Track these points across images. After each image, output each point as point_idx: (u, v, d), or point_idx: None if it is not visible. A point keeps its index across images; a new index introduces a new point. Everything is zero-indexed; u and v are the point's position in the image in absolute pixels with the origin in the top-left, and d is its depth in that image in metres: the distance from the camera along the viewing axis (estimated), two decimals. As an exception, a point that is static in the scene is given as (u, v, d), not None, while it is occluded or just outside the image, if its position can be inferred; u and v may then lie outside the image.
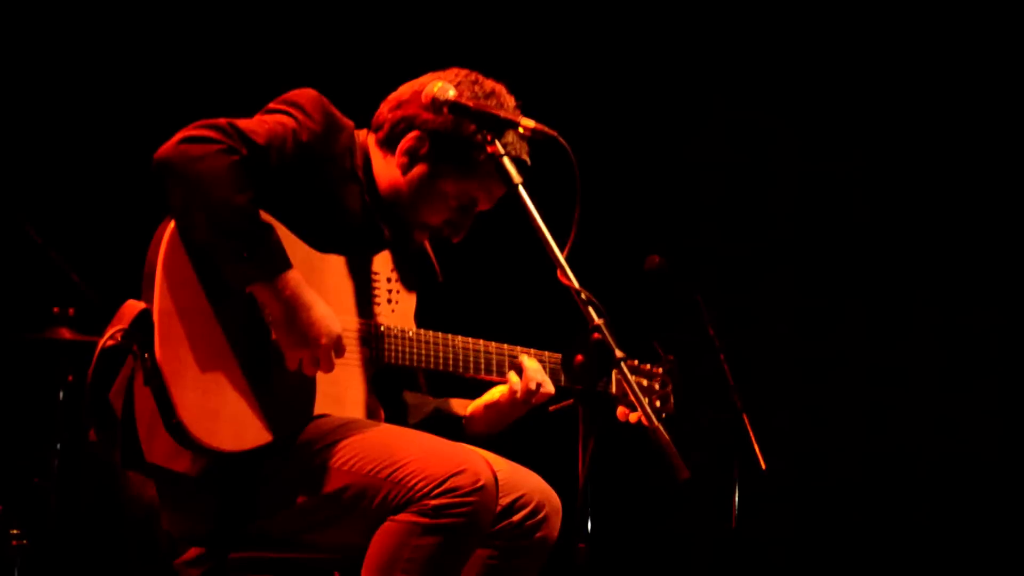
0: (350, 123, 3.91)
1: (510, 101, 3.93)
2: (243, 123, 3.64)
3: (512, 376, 3.96)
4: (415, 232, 4.00)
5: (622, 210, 6.63)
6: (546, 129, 3.57)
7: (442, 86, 3.73)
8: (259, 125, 3.68)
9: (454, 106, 3.72)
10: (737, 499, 5.40)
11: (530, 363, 3.97)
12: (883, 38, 6.87)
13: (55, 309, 5.60)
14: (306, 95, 3.81)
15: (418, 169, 3.93)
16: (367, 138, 3.99)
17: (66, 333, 5.54)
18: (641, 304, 4.25)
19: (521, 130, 3.60)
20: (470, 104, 3.71)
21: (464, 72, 3.93)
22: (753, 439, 5.19)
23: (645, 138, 6.79)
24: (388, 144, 3.95)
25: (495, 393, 4.02)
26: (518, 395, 3.95)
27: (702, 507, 6.49)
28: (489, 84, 3.92)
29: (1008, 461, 6.80)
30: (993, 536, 6.75)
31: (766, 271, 6.86)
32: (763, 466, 5.16)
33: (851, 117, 6.90)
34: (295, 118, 3.74)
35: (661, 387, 4.16)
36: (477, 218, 4.01)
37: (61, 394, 5.59)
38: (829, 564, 6.72)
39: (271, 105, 3.79)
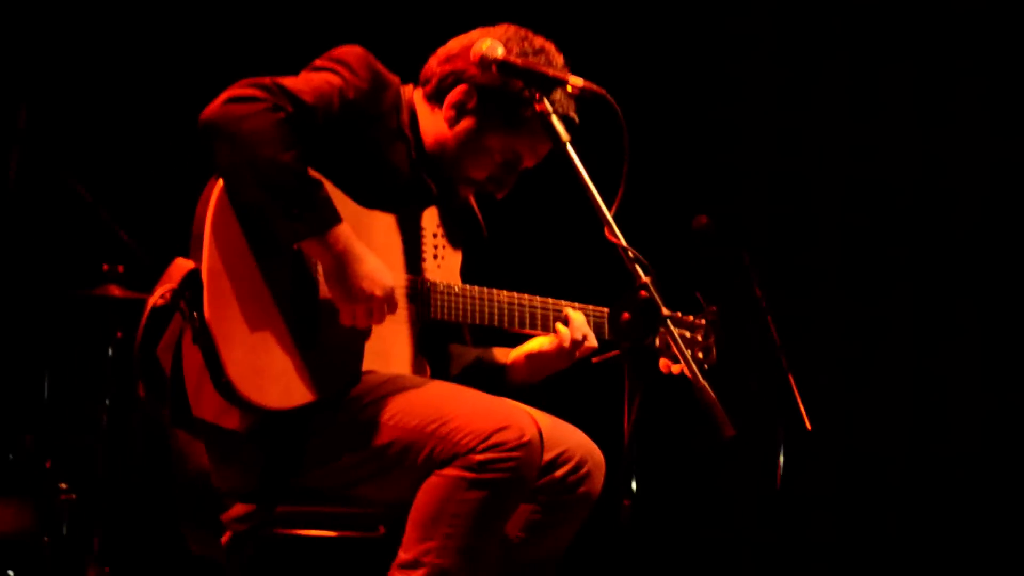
0: (396, 79, 3.90)
1: (559, 59, 3.91)
2: (288, 81, 3.64)
3: (560, 327, 3.96)
4: (459, 187, 3.99)
5: (670, 170, 6.61)
6: (595, 87, 3.57)
7: (491, 44, 3.72)
8: (305, 83, 3.67)
9: (503, 64, 3.72)
10: (782, 459, 5.40)
11: (576, 316, 3.97)
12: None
13: (104, 267, 5.64)
14: (352, 52, 3.80)
15: (465, 123, 3.92)
16: (413, 93, 3.98)
17: (115, 290, 5.58)
18: (688, 263, 4.23)
19: (570, 88, 3.60)
20: (518, 62, 3.71)
21: (514, 28, 3.92)
22: (799, 399, 5.18)
23: (693, 99, 6.76)
24: (436, 98, 3.94)
25: (539, 343, 4.02)
26: (565, 345, 3.95)
27: (747, 466, 6.48)
28: (539, 41, 3.91)
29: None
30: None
31: (814, 233, 6.83)
32: (808, 426, 5.15)
33: (899, 79, 6.85)
34: (341, 75, 3.74)
35: (704, 338, 4.15)
36: (526, 175, 4.01)
37: (110, 351, 5.64)
38: (871, 525, 6.70)
39: (317, 62, 3.79)
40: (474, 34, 3.93)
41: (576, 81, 3.58)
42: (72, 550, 5.51)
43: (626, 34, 6.69)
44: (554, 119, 3.54)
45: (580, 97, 3.64)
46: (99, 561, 5.42)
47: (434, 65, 3.97)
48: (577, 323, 3.96)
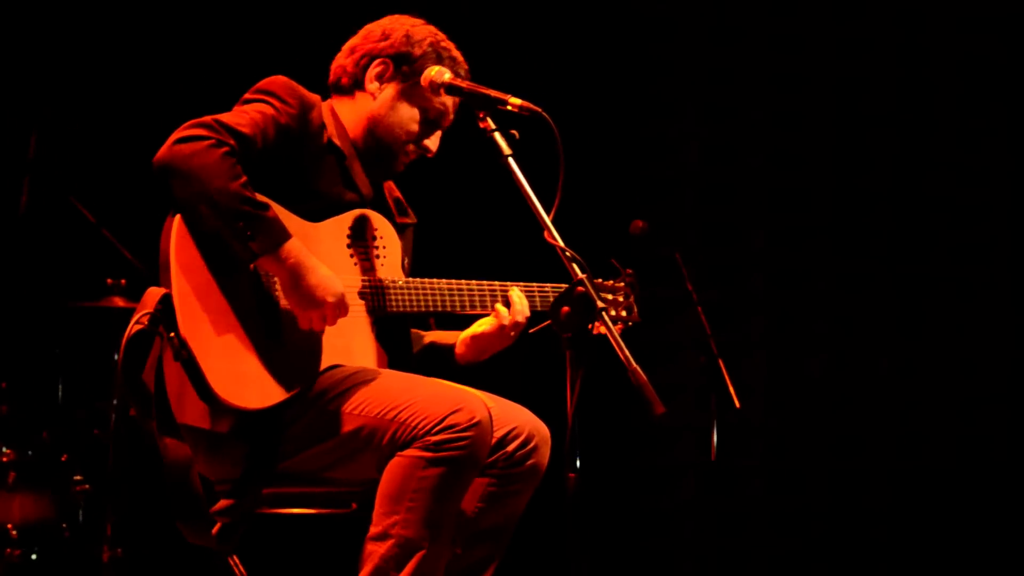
0: (317, 98, 3.91)
1: (459, 56, 3.97)
2: (226, 117, 3.64)
3: (499, 308, 3.96)
4: (399, 154, 3.99)
5: (609, 179, 6.60)
6: (532, 106, 3.58)
7: (438, 70, 3.82)
8: (241, 116, 3.68)
9: (450, 87, 3.79)
10: (715, 434, 5.40)
11: (516, 297, 3.97)
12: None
13: (108, 280, 5.62)
14: (278, 82, 3.81)
15: (389, 89, 3.94)
16: (331, 104, 3.99)
17: (119, 301, 5.57)
18: (628, 264, 4.24)
19: (509, 107, 3.60)
20: (463, 85, 3.77)
21: (402, 18, 3.99)
22: (728, 381, 5.19)
23: (627, 113, 6.75)
24: (354, 85, 3.98)
25: (482, 324, 4.02)
26: (505, 324, 3.95)
27: (686, 441, 6.49)
28: (439, 35, 3.98)
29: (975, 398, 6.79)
30: (966, 478, 6.74)
31: (741, 232, 6.83)
32: (737, 404, 5.17)
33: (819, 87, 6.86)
34: (272, 105, 3.75)
35: (624, 298, 4.15)
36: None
37: (115, 355, 5.61)
38: (797, 490, 6.71)
39: (247, 96, 3.80)
40: (366, 28, 4.01)
41: (515, 101, 3.59)
42: (88, 535, 5.48)
43: (556, 46, 6.66)
44: (497, 136, 3.55)
45: (519, 115, 3.62)
46: (112, 545, 5.39)
47: (341, 60, 4.02)
48: (514, 305, 3.96)
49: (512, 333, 3.98)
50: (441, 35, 3.99)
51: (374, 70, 3.95)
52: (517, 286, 4.01)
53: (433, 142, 4.02)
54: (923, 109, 6.86)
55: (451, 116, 4.00)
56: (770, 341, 6.73)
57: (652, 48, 6.78)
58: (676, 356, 6.39)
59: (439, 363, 4.06)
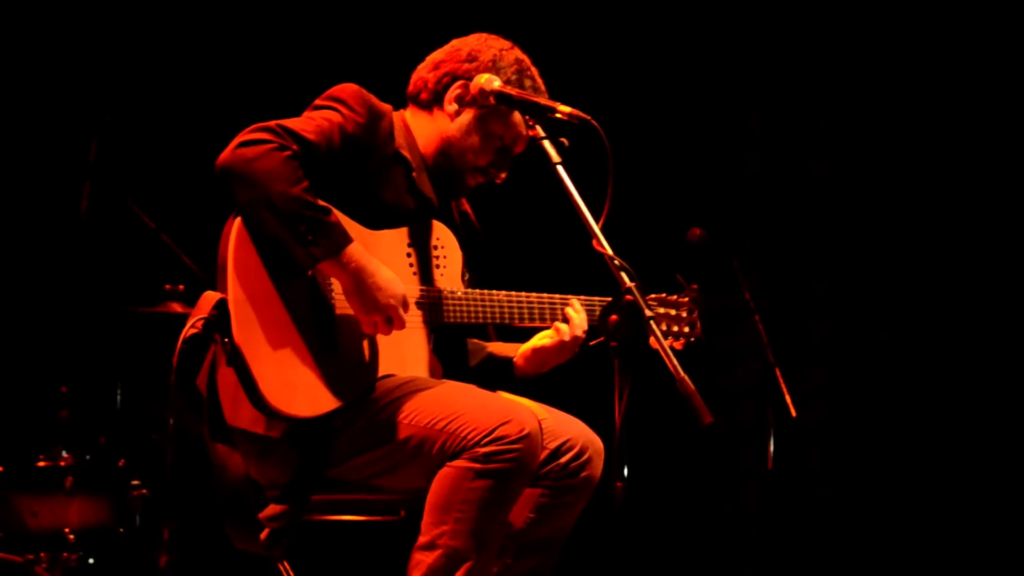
0: (388, 107, 3.92)
1: (534, 71, 3.98)
2: (291, 123, 3.66)
3: (560, 325, 3.95)
4: (467, 177, 3.99)
5: (668, 187, 6.59)
6: (581, 113, 3.61)
7: (488, 78, 3.84)
8: (307, 123, 3.69)
9: (500, 95, 3.82)
10: (772, 443, 5.36)
11: (572, 314, 3.96)
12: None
13: (167, 286, 5.66)
14: (348, 90, 3.82)
15: (468, 113, 3.94)
16: (404, 114, 4.00)
17: (177, 307, 5.60)
18: (686, 272, 4.23)
19: (558, 115, 3.61)
20: (513, 93, 3.80)
21: (491, 40, 3.99)
22: (784, 390, 5.15)
23: (690, 124, 6.74)
24: (433, 101, 3.98)
25: (541, 339, 4.01)
26: (565, 340, 3.94)
27: (746, 450, 6.46)
28: (518, 57, 3.97)
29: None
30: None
31: (803, 240, 6.79)
32: (793, 413, 5.12)
33: (879, 95, 6.81)
34: (340, 112, 3.76)
35: (688, 314, 4.14)
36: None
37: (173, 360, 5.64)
38: (858, 499, 6.66)
39: (316, 102, 3.81)
40: (454, 43, 4.01)
41: (563, 108, 3.61)
42: (145, 540, 5.52)
43: (619, 52, 6.65)
44: (546, 143, 3.56)
45: (569, 123, 3.62)
46: (169, 550, 5.42)
47: (424, 74, 4.01)
48: (576, 322, 3.95)
49: (571, 348, 3.98)
50: (527, 61, 3.98)
51: (455, 91, 3.94)
52: (578, 299, 4.00)
53: (504, 171, 4.02)
54: (989, 116, 6.78)
55: (525, 144, 3.98)
56: (832, 350, 6.67)
57: (714, 55, 6.76)
58: (737, 365, 6.35)
59: (498, 375, 4.06)
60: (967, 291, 6.74)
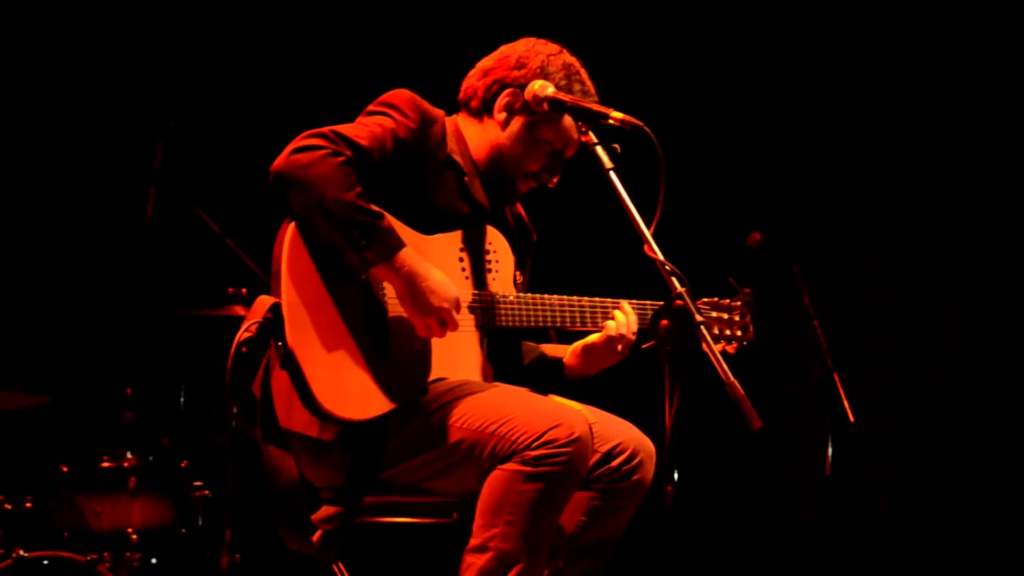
0: (441, 113, 3.94)
1: (585, 76, 3.97)
2: (344, 129, 3.69)
3: (608, 323, 3.96)
4: (519, 184, 4.01)
5: (729, 193, 6.59)
6: (633, 120, 3.62)
7: (541, 84, 3.87)
8: (360, 128, 3.73)
9: (553, 101, 3.84)
10: (831, 448, 5.36)
11: (620, 315, 3.97)
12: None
13: (230, 290, 5.72)
14: (401, 96, 3.85)
15: (517, 121, 3.96)
16: (456, 120, 4.02)
17: (239, 310, 5.65)
18: (744, 277, 4.24)
19: (611, 121, 3.63)
20: (566, 99, 3.83)
21: (539, 45, 3.99)
22: (843, 395, 5.15)
23: (752, 129, 6.74)
24: (484, 109, 4.00)
25: (591, 339, 4.02)
26: (613, 336, 3.95)
27: (807, 455, 6.44)
28: (574, 65, 3.97)
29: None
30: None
31: (865, 246, 6.77)
32: (851, 419, 5.13)
33: (942, 101, 6.77)
34: (393, 118, 3.79)
35: (741, 318, 4.14)
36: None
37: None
38: (920, 507, 6.63)
39: (370, 108, 3.85)
40: (503, 49, 4.02)
41: (616, 114, 3.63)
42: (207, 541, 5.58)
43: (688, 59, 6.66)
44: (598, 149, 3.59)
45: (621, 128, 3.63)
46: (231, 550, 5.48)
47: (474, 82, 4.02)
48: (621, 320, 3.96)
49: (620, 348, 3.98)
50: (576, 64, 3.99)
51: (504, 99, 3.96)
52: (629, 303, 4.02)
53: (556, 175, 4.04)
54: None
55: (575, 148, 4.00)
56: (893, 357, 6.65)
57: (778, 61, 6.76)
58: (796, 371, 6.35)
59: (548, 375, 4.08)
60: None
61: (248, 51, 6.38)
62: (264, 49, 6.39)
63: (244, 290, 5.71)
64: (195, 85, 6.35)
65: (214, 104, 6.37)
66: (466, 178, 3.94)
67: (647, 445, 3.86)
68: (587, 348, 4.03)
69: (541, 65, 3.93)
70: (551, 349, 4.14)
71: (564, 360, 4.09)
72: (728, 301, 4.15)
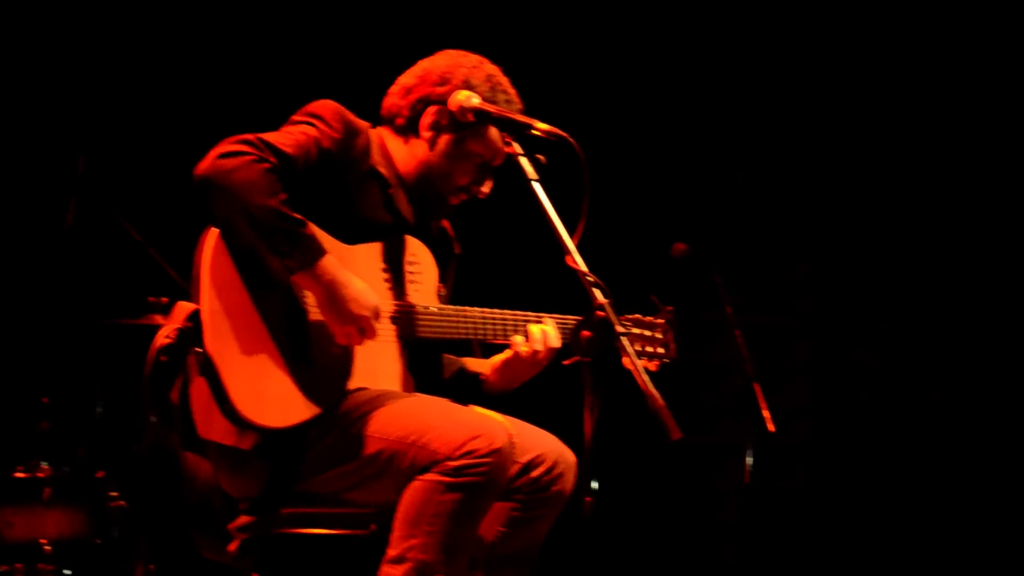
0: (366, 125, 3.93)
1: (508, 86, 3.97)
2: (270, 136, 3.69)
3: (516, 338, 3.97)
4: (450, 198, 4.01)
5: (650, 203, 6.61)
6: (557, 131, 3.62)
7: (467, 95, 3.86)
8: (285, 136, 3.72)
9: (478, 112, 3.84)
10: (749, 458, 5.39)
11: (534, 328, 3.98)
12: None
13: (150, 298, 5.66)
14: (325, 106, 3.84)
15: (444, 139, 3.95)
16: (381, 133, 4.01)
17: (159, 319, 5.60)
18: (668, 287, 4.26)
19: (536, 131, 3.63)
20: (492, 110, 3.83)
21: (460, 58, 3.99)
22: (763, 405, 5.18)
23: (675, 139, 6.76)
24: (408, 128, 3.98)
25: (506, 354, 4.03)
26: (522, 354, 3.96)
27: (729, 465, 6.46)
28: (496, 76, 3.97)
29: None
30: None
31: (787, 257, 6.81)
32: (771, 428, 5.16)
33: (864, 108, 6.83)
34: (317, 127, 3.78)
35: (663, 335, 4.15)
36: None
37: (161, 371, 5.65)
38: (840, 515, 6.67)
39: (294, 117, 3.84)
40: (423, 64, 4.01)
41: (541, 125, 3.63)
42: (122, 551, 5.53)
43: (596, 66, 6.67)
44: (522, 160, 3.59)
45: (546, 139, 3.64)
46: (146, 561, 5.43)
47: (396, 100, 4.01)
48: (534, 335, 3.97)
49: (535, 363, 3.99)
50: (498, 74, 3.98)
51: (429, 118, 3.95)
52: (553, 317, 4.02)
53: (486, 185, 4.04)
54: (983, 134, 6.81)
55: (503, 156, 3.97)
56: (815, 366, 6.70)
57: (704, 71, 6.78)
58: (718, 380, 6.38)
59: (468, 388, 4.09)
60: (952, 308, 6.76)
61: (172, 59, 6.33)
62: (187, 57, 6.34)
63: (164, 299, 5.66)
64: (117, 93, 6.29)
65: (135, 112, 6.31)
66: (390, 190, 3.94)
67: (567, 456, 3.86)
68: (507, 363, 4.04)
69: (464, 79, 3.91)
70: (472, 363, 4.15)
71: (484, 374, 4.09)
72: (651, 318, 4.16)
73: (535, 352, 3.95)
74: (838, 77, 6.82)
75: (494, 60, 4.03)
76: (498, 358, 4.06)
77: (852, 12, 6.79)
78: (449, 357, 4.15)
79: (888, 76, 6.81)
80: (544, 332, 3.97)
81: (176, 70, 6.37)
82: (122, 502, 5.54)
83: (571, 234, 3.44)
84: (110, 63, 6.33)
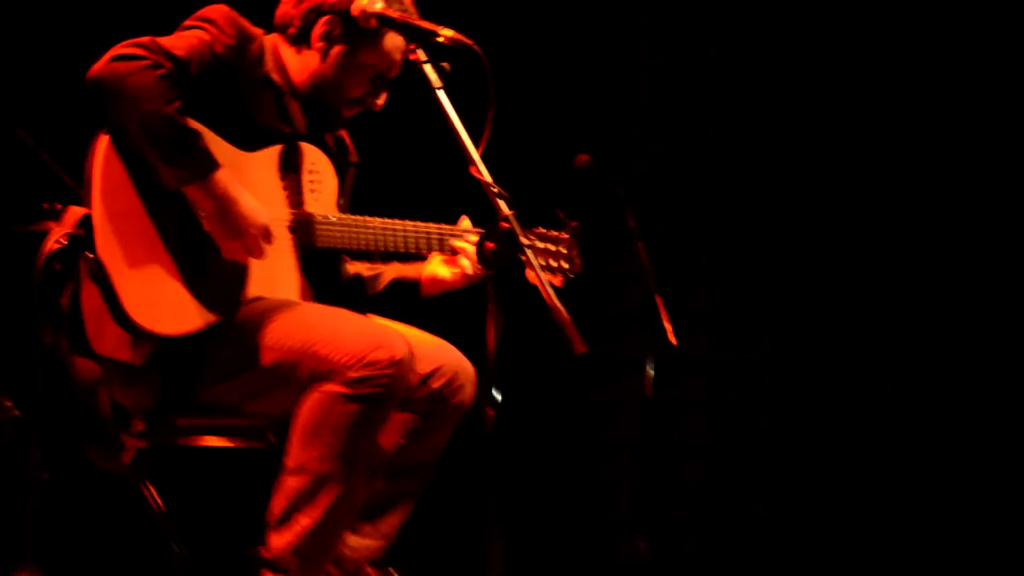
0: (259, 31, 3.88)
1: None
2: (165, 40, 3.63)
3: (463, 261, 3.95)
4: (344, 111, 3.98)
5: (555, 114, 6.57)
6: (462, 38, 3.59)
7: (369, 0, 3.76)
8: (179, 40, 3.67)
9: (381, 17, 3.79)
10: (650, 370, 5.40)
11: (468, 246, 3.95)
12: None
13: (44, 205, 5.57)
14: (218, 10, 3.78)
15: (336, 50, 3.90)
16: (275, 40, 3.95)
17: (54, 226, 5.51)
18: (571, 198, 4.25)
19: (440, 38, 3.59)
20: (395, 15, 3.76)
21: None
22: (665, 317, 5.18)
23: (579, 47, 6.71)
24: (300, 38, 3.93)
25: (440, 269, 4.02)
26: (469, 274, 3.95)
27: (628, 377, 6.49)
28: None
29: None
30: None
31: (692, 167, 6.81)
32: (673, 341, 5.16)
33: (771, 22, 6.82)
34: (210, 32, 3.72)
35: (568, 250, 4.14)
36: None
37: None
38: (739, 430, 6.73)
39: (187, 22, 3.77)
40: None
41: (446, 32, 3.59)
42: (15, 460, 5.46)
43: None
44: (426, 68, 3.56)
45: (450, 47, 3.59)
46: (38, 469, 5.38)
47: (289, 8, 3.95)
48: (471, 252, 3.94)
49: (468, 280, 3.99)
50: None
51: (321, 28, 3.89)
52: (455, 230, 3.99)
53: (381, 98, 3.99)
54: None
55: (398, 68, 3.96)
56: (714, 280, 6.72)
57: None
58: (621, 292, 6.39)
59: (405, 298, 4.07)
60: (854, 216, 6.79)
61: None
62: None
63: (59, 205, 5.56)
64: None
65: (29, 12, 6.17)
66: (284, 98, 3.90)
67: (467, 368, 3.88)
68: (439, 281, 4.03)
69: None
70: (400, 271, 4.11)
71: (421, 280, 4.06)
72: (556, 233, 4.15)
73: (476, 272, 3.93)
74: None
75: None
76: (430, 273, 4.04)
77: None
78: (374, 267, 4.12)
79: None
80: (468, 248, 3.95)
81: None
82: (15, 411, 5.47)
83: (476, 144, 3.42)
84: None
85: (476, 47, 3.54)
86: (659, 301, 5.13)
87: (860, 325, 6.77)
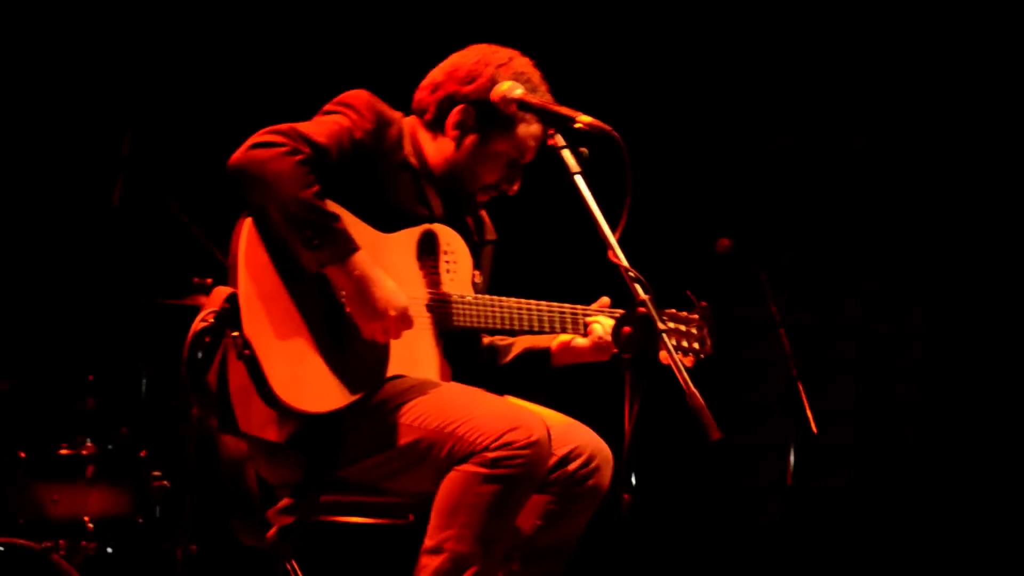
0: (398, 115, 3.96)
1: (537, 78, 3.96)
2: (303, 126, 3.72)
3: (595, 327, 3.98)
4: (479, 196, 4.04)
5: (698, 198, 6.60)
6: (601, 124, 3.60)
7: (510, 85, 3.84)
8: (318, 127, 3.75)
9: (521, 103, 3.82)
10: (792, 458, 5.37)
11: (606, 320, 3.98)
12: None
13: (195, 279, 5.71)
14: (358, 96, 3.87)
15: (470, 138, 3.96)
16: (413, 124, 4.03)
17: (204, 300, 5.62)
18: (712, 284, 4.26)
19: (578, 125, 3.62)
20: (535, 101, 3.81)
21: (489, 54, 3.97)
22: (806, 405, 5.16)
23: (712, 131, 6.74)
24: (436, 125, 3.99)
25: (576, 340, 4.04)
26: (599, 343, 3.98)
27: (770, 464, 6.45)
28: (526, 73, 3.95)
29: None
30: None
31: (835, 255, 6.79)
32: (814, 429, 5.14)
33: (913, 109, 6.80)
34: (350, 118, 3.81)
35: (698, 331, 4.14)
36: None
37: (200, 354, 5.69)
38: (883, 517, 6.65)
39: (327, 107, 3.87)
40: (452, 59, 4.01)
41: (584, 118, 3.62)
42: (164, 531, 5.57)
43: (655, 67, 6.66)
44: (565, 153, 3.58)
45: (588, 133, 3.64)
46: (187, 541, 5.48)
47: (426, 96, 4.02)
48: (607, 324, 3.97)
49: (601, 352, 4.01)
50: (529, 70, 3.96)
51: (456, 117, 3.96)
52: (591, 311, 4.03)
53: (515, 184, 4.05)
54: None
55: (533, 154, 4.02)
56: (861, 366, 6.68)
57: (753, 65, 6.77)
58: (762, 379, 6.37)
59: (534, 366, 4.12)
60: (1001, 309, 6.72)
61: (218, 42, 6.37)
62: (231, 42, 6.38)
63: (209, 280, 5.70)
64: (166, 72, 6.34)
65: (185, 92, 6.36)
66: (422, 181, 3.97)
67: (604, 450, 3.88)
68: (572, 348, 4.06)
69: (491, 77, 3.91)
70: (530, 341, 4.14)
71: (552, 349, 4.09)
72: (686, 313, 4.16)
73: (608, 343, 3.95)
74: (889, 74, 6.78)
75: (530, 51, 4.04)
76: (564, 338, 4.06)
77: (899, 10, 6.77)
78: (504, 340, 4.16)
79: (939, 73, 6.77)
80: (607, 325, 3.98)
81: (220, 54, 6.41)
82: (165, 482, 5.59)
83: (613, 229, 3.45)
84: (158, 43, 6.38)
85: (615, 133, 3.56)
86: (801, 388, 5.13)
87: (1010, 411, 6.69)
